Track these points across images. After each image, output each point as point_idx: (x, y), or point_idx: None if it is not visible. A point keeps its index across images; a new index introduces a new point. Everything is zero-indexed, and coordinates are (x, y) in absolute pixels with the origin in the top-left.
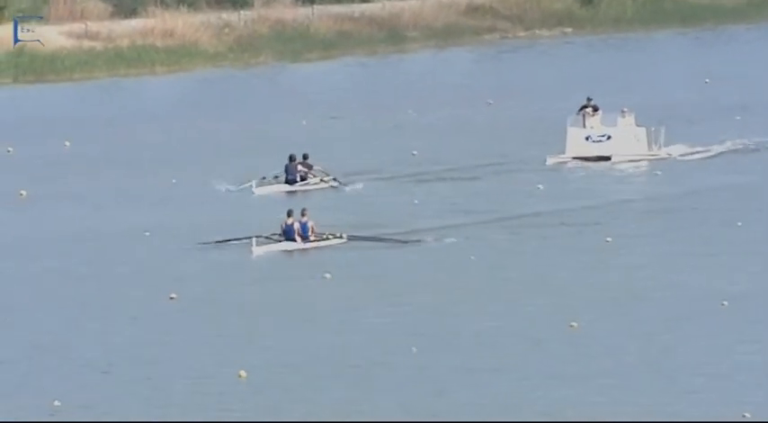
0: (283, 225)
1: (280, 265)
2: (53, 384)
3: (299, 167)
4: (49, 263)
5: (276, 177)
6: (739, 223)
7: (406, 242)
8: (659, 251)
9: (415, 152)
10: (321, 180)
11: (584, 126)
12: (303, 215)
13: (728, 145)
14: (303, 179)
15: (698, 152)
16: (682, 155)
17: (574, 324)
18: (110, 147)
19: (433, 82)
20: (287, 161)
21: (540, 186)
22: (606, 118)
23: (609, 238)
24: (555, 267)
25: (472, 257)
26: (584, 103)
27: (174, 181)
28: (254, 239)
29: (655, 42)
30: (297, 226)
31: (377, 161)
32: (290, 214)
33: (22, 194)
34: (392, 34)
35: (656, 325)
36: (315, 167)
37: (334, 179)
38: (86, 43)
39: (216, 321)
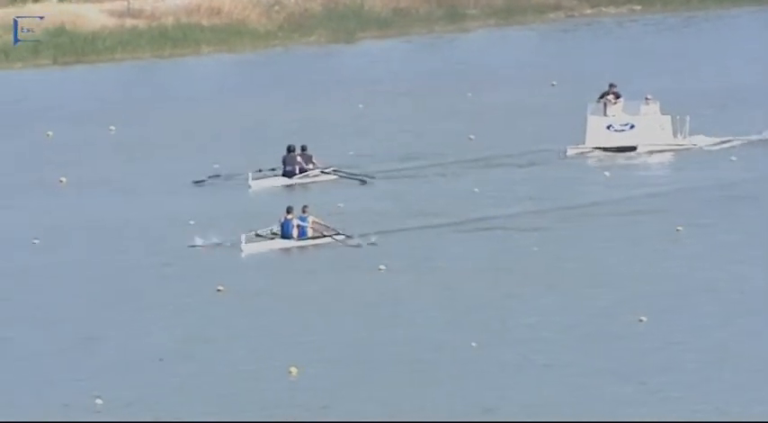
0: (281, 220)
1: (329, 258)
2: (96, 379)
3: (299, 159)
4: (90, 252)
5: (273, 170)
6: None
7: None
8: (729, 241)
9: (472, 136)
10: (322, 172)
11: (606, 114)
12: (304, 211)
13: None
14: (302, 171)
15: (724, 142)
16: (708, 145)
17: (643, 318)
18: (153, 131)
19: (494, 62)
20: (285, 152)
21: (606, 173)
22: (629, 106)
23: (679, 228)
24: (622, 258)
25: (535, 248)
26: (606, 89)
27: (216, 166)
28: (243, 236)
29: (728, 21)
30: (296, 222)
31: (431, 146)
32: (289, 211)
33: (62, 181)
34: (451, 12)
35: (725, 319)
36: (314, 160)
37: (335, 171)
38: (129, 22)
39: (265, 315)
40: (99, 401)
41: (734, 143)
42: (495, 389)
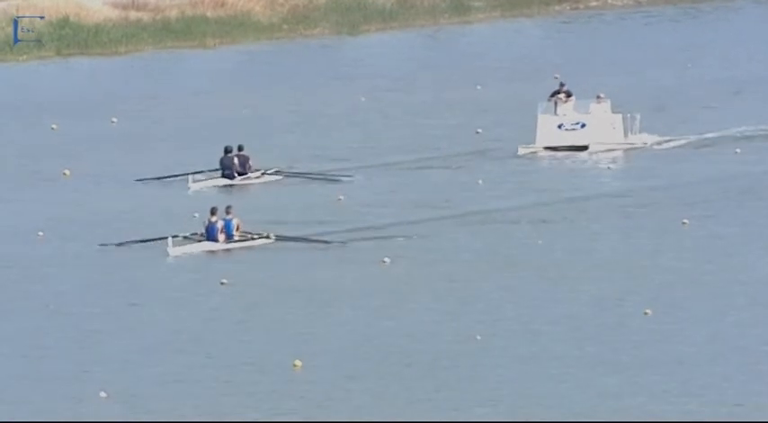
0: (206, 223)
1: (336, 251)
2: (100, 372)
3: (235, 161)
4: (93, 245)
5: (215, 170)
6: None
7: (329, 242)
8: (734, 233)
9: (479, 130)
10: (263, 173)
11: (556, 113)
12: (228, 213)
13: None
14: (241, 173)
15: (671, 140)
16: (657, 143)
17: (648, 311)
18: (157, 123)
19: (499, 55)
20: (222, 154)
21: (610, 167)
22: (580, 105)
23: (685, 221)
24: (627, 251)
25: (540, 241)
26: (557, 88)
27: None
28: (169, 239)
29: (734, 12)
30: (220, 224)
31: (436, 139)
32: (213, 212)
33: (65, 174)
34: (456, 4)
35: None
36: (251, 161)
37: (277, 172)
38: (133, 14)
39: (269, 308)
40: (103, 394)
41: (681, 142)
42: (500, 382)
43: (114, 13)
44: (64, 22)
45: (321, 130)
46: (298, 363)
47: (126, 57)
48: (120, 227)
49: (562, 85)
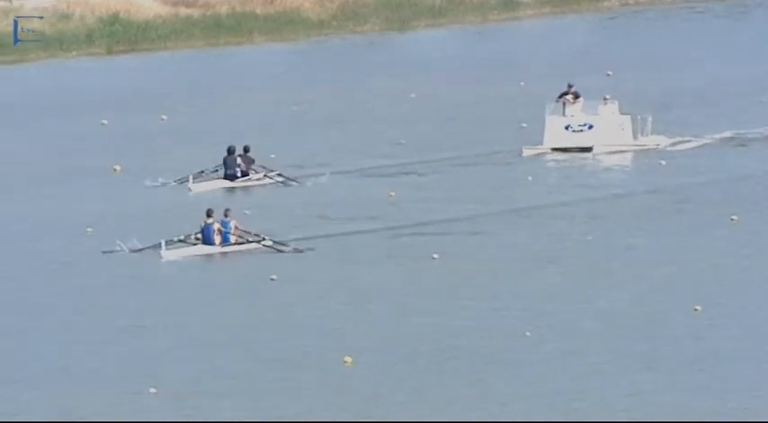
0: (202, 225)
1: (383, 246)
2: (149, 369)
3: (239, 161)
4: (142, 241)
5: (215, 171)
6: None
7: (301, 251)
8: None
9: (524, 125)
10: (265, 175)
11: (564, 114)
12: (226, 215)
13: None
14: (244, 174)
15: (686, 141)
16: (670, 145)
17: (698, 308)
18: (206, 119)
19: (548, 51)
20: (225, 154)
21: (662, 162)
22: (588, 106)
23: (734, 217)
24: (676, 248)
25: (589, 237)
26: (565, 89)
27: (272, 156)
28: (163, 242)
29: None
30: (217, 226)
31: (482, 134)
32: (209, 214)
33: (116, 170)
34: (505, 0)
35: None
36: (256, 162)
37: (279, 174)
38: (182, 11)
39: (319, 304)
40: (153, 390)
41: (695, 143)
42: (549, 379)
43: (164, 10)
44: (114, 19)
45: (368, 126)
46: (348, 359)
47: (175, 53)
48: (162, 224)
49: (570, 86)
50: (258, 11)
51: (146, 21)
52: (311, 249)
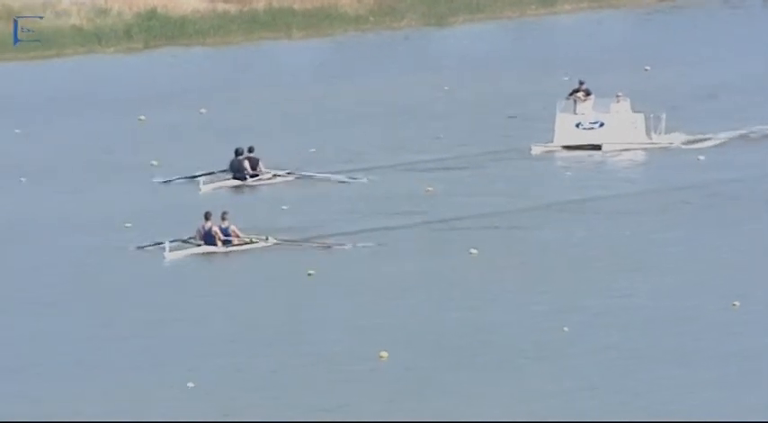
0: (201, 229)
1: (421, 241)
2: (187, 362)
3: (246, 164)
4: (181, 236)
5: (225, 171)
6: None
7: (329, 247)
8: None
9: None
10: (275, 175)
11: (575, 112)
12: (224, 219)
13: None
14: (253, 176)
15: (704, 139)
16: (685, 143)
17: (736, 303)
18: (243, 114)
19: (587, 46)
20: (233, 156)
21: (700, 157)
22: (599, 104)
23: None
24: (715, 243)
25: (627, 232)
26: (576, 86)
27: (312, 150)
28: (166, 244)
29: None
30: (216, 230)
31: (518, 129)
32: (207, 217)
33: (154, 164)
34: None
35: None
36: (261, 162)
37: (289, 173)
38: (220, 6)
39: (355, 299)
40: (191, 384)
41: (712, 141)
42: (586, 374)
43: (202, 5)
44: (151, 14)
45: (405, 121)
46: (384, 354)
47: (213, 48)
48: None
49: (581, 83)
50: (296, 6)
51: (183, 16)
52: (341, 245)
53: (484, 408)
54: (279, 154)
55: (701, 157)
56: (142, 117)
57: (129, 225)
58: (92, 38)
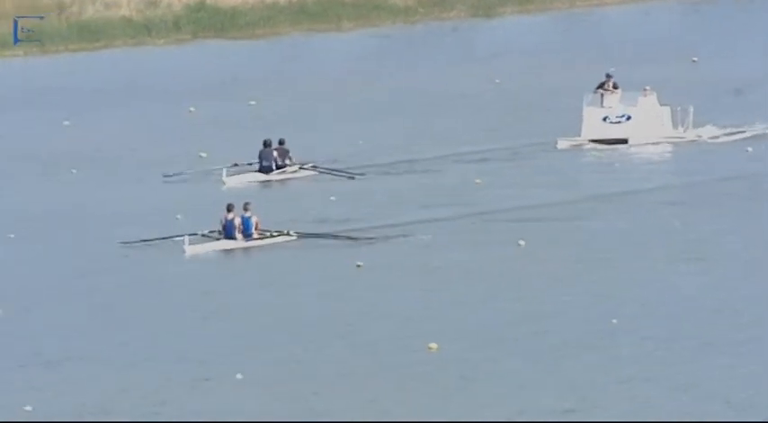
0: (223, 220)
1: (470, 233)
2: (236, 354)
3: (275, 154)
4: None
5: (250, 164)
6: None
7: (356, 239)
8: None
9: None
10: (300, 168)
11: (602, 105)
12: (246, 210)
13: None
14: (280, 167)
15: (731, 133)
16: (713, 137)
17: None
18: (292, 106)
19: (636, 37)
20: (261, 147)
21: (749, 149)
22: (627, 97)
23: None
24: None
25: (677, 224)
26: (603, 79)
27: (360, 142)
28: (186, 237)
29: None
30: (238, 222)
31: (570, 121)
32: (230, 209)
33: (202, 156)
34: None
35: None
36: (291, 155)
37: (314, 167)
38: None
39: (404, 290)
40: (239, 376)
41: (741, 135)
42: (635, 366)
43: None
44: (200, 5)
45: (454, 112)
46: (433, 345)
47: (263, 40)
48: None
49: (608, 76)
50: None
51: (232, 7)
52: (369, 238)
53: (532, 399)
54: (327, 145)
55: (748, 149)
56: (191, 108)
57: (179, 217)
58: (141, 29)
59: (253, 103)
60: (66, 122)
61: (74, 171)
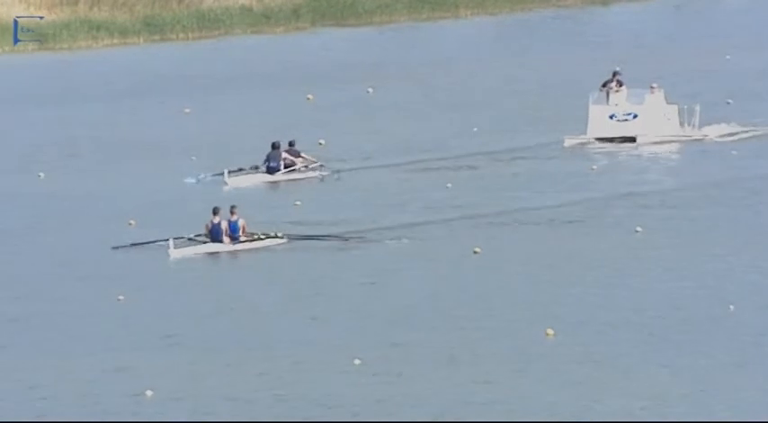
0: (209, 224)
1: (586, 219)
2: (350, 340)
3: (284, 155)
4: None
5: (256, 168)
6: None
7: (346, 240)
8: None
9: (730, 101)
10: (306, 167)
11: (608, 103)
12: (232, 213)
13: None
14: (287, 167)
15: (738, 133)
16: (720, 136)
17: None
18: (410, 93)
19: (754, 22)
20: (270, 149)
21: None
22: (633, 94)
23: None
24: None
25: None
26: (609, 77)
27: (474, 129)
28: (171, 241)
29: None
30: (224, 225)
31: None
32: (215, 212)
33: (321, 144)
34: None
35: None
36: (302, 155)
37: (322, 166)
38: None
39: (521, 277)
40: (357, 361)
41: (747, 135)
42: (753, 354)
43: None
44: None
45: (559, 98)
46: (550, 331)
47: (381, 27)
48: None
49: (615, 73)
50: None
51: None
52: (360, 239)
53: (645, 385)
54: (442, 134)
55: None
56: (310, 96)
57: (298, 203)
58: (260, 18)
59: (370, 90)
60: (187, 110)
61: (193, 158)
